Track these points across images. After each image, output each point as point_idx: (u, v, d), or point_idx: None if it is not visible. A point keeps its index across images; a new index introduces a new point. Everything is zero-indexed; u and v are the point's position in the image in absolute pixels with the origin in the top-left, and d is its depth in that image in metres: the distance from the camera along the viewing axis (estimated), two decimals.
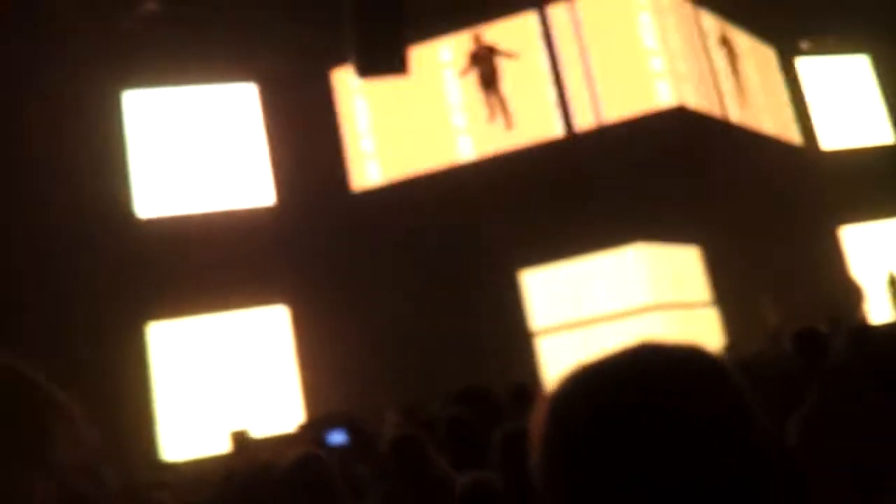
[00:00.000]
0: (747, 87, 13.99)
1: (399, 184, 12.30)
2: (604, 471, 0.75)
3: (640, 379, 0.78)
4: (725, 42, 13.65)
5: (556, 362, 11.40)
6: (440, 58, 12.62)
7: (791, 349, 3.88)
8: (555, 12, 12.34)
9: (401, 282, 11.21)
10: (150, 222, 11.35)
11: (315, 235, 11.52)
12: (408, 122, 12.57)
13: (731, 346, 9.78)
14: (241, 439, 7.22)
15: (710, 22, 13.43)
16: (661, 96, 11.87)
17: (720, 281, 11.90)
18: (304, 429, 9.52)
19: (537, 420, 0.82)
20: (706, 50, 13.20)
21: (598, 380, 0.81)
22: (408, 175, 12.31)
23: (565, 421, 0.79)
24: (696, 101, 12.32)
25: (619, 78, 12.04)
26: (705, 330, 11.68)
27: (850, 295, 12.65)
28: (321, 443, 6.43)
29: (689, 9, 12.96)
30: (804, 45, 14.96)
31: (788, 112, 14.82)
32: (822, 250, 13.59)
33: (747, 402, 0.79)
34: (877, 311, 12.53)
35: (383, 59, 8.24)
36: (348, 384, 10.41)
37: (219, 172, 11.95)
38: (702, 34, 13.20)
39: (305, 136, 12.09)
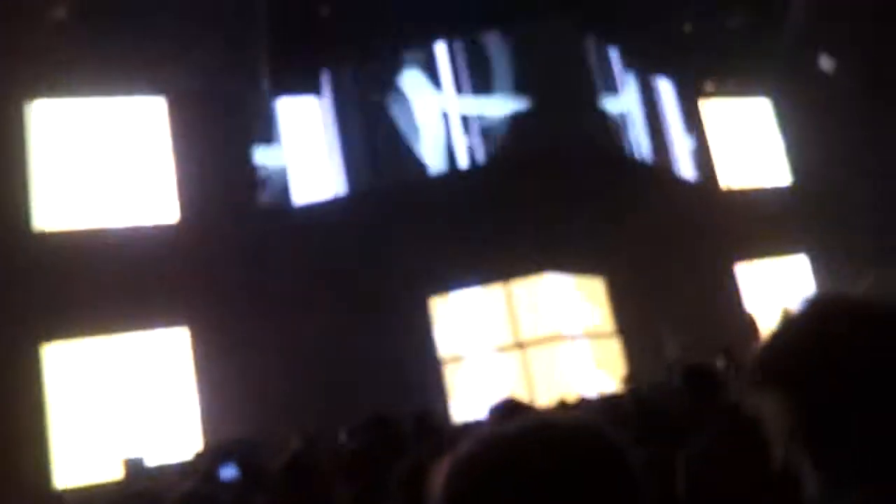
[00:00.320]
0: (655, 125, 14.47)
1: (310, 206, 12.20)
2: None
3: (534, 467, 0.83)
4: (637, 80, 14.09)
5: (464, 389, 11.45)
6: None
7: (681, 384, 3.97)
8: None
9: (309, 305, 11.06)
10: (47, 235, 10.90)
11: (219, 255, 11.24)
12: (323, 147, 12.52)
13: (631, 377, 10.01)
14: (134, 467, 6.96)
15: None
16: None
17: (623, 311, 12.19)
18: (200, 458, 9.27)
19: (438, 480, 0.87)
20: None
21: (492, 461, 0.85)
22: (318, 198, 12.24)
23: (457, 496, 0.84)
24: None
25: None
26: (608, 360, 11.93)
27: (746, 330, 13.13)
28: (214, 476, 6.25)
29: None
30: (708, 86, 15.54)
31: (690, 150, 15.35)
32: (720, 285, 14.07)
33: (637, 487, 0.86)
34: None
35: (298, 79, 8.21)
36: (251, 409, 10.18)
37: (122, 186, 11.58)
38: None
39: (213, 153, 11.87)
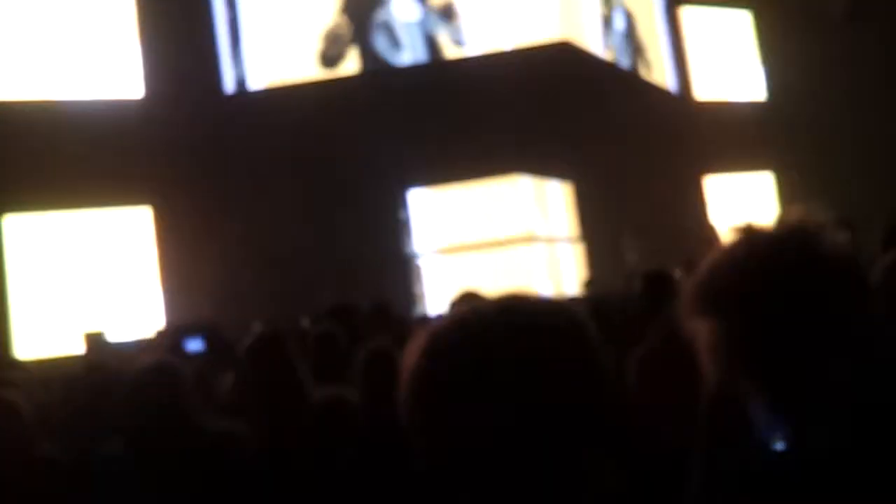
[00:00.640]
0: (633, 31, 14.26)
1: (282, 89, 11.93)
2: (474, 408, 0.83)
3: (512, 331, 0.86)
4: None
5: (434, 284, 11.56)
6: None
7: (639, 289, 4.05)
8: None
9: (278, 192, 10.91)
10: (8, 105, 10.57)
11: (185, 135, 10.98)
12: (294, 27, 12.14)
13: (590, 282, 10.18)
14: (95, 341, 6.99)
15: None
16: (549, 30, 11.96)
17: (587, 218, 12.30)
18: (162, 335, 9.30)
19: (412, 357, 0.88)
20: None
21: (473, 329, 0.87)
22: (292, 81, 11.96)
23: (441, 363, 0.86)
24: (582, 38, 12.47)
25: (513, 8, 12.03)
26: (570, 264, 12.11)
27: (707, 242, 13.34)
28: (179, 350, 6.32)
29: None
30: None
31: (667, 59, 15.19)
32: (686, 196, 14.20)
33: (598, 357, 0.90)
34: None
35: None
36: (213, 293, 10.18)
37: (87, 57, 11.19)
38: None
39: (181, 29, 11.49)
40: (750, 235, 1.12)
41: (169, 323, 10.12)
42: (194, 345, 6.26)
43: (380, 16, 12.17)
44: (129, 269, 10.89)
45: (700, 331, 1.08)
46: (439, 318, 0.94)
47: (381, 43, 12.15)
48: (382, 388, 3.00)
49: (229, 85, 12.07)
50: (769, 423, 1.03)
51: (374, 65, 12.17)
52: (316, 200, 10.91)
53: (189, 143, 10.93)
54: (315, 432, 3.01)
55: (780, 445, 1.01)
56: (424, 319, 5.84)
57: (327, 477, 2.88)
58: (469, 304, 0.92)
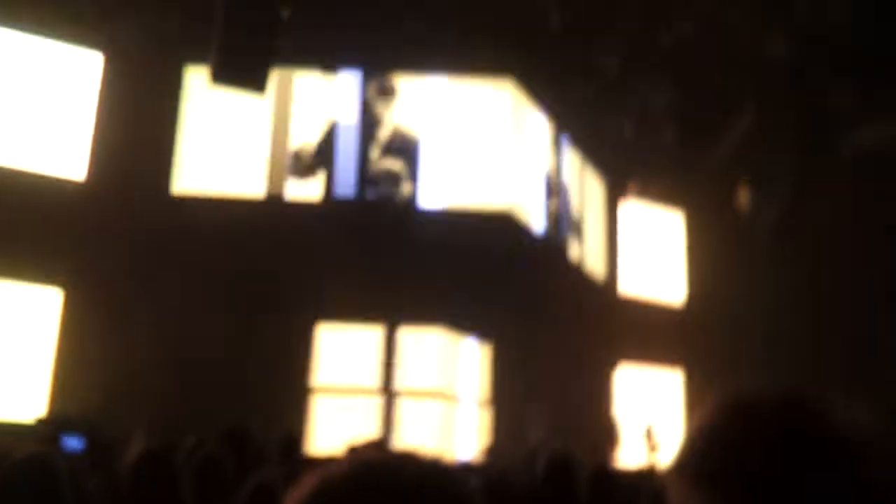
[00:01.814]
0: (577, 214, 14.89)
1: (220, 201, 11.94)
2: None
3: (396, 497, 0.85)
4: (558, 151, 14.44)
5: (327, 423, 11.29)
6: (294, 90, 12.55)
7: (542, 471, 4.02)
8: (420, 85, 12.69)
9: (192, 300, 10.75)
10: None
11: (115, 226, 10.86)
12: (246, 144, 12.32)
13: (491, 450, 10.10)
14: None
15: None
16: (498, 198, 12.41)
17: (498, 382, 12.34)
18: (42, 424, 8.83)
19: (297, 499, 0.87)
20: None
21: (360, 486, 0.86)
22: (230, 196, 12.00)
23: None
24: (525, 207, 12.95)
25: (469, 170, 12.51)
26: (475, 428, 12.01)
27: (607, 434, 13.44)
28: (56, 443, 5.99)
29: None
30: (632, 188, 16.06)
31: (600, 247, 15.80)
32: (595, 382, 14.42)
33: None
34: (630, 455, 13.30)
35: (244, 72, 8.07)
36: (104, 390, 9.75)
37: (38, 131, 11.11)
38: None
39: (138, 124, 11.55)
40: (743, 405, 0.95)
41: (52, 413, 9.61)
42: (73, 442, 5.93)
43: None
44: (27, 348, 10.38)
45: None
46: (333, 462, 0.91)
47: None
48: None
49: (173, 187, 12.04)
50: None
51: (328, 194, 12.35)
52: (229, 320, 10.73)
53: (118, 235, 10.76)
54: None
55: None
56: (322, 461, 5.66)
57: None
58: (364, 457, 0.91)
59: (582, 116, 13.94)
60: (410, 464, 0.90)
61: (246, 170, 12.19)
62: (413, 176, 12.47)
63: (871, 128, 12.46)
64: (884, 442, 0.89)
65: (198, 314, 10.62)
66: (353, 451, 3.49)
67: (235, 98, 10.97)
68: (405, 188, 12.38)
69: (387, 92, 12.61)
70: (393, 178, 12.40)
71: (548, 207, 14.00)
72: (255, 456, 4.74)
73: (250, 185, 12.12)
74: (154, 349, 10.36)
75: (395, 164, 12.46)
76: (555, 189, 14.30)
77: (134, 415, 8.35)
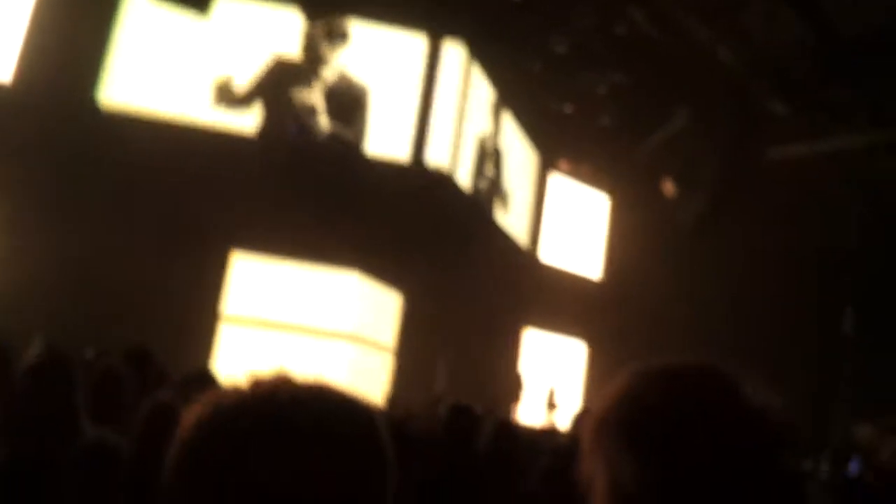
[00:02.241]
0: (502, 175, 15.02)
1: (151, 121, 11.61)
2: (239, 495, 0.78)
3: (302, 428, 0.82)
4: (497, 118, 14.51)
5: (230, 353, 11.25)
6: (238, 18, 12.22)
7: (443, 419, 4.13)
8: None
9: (111, 216, 10.47)
10: None
11: (38, 132, 10.43)
12: (185, 66, 11.97)
13: (393, 397, 10.24)
14: None
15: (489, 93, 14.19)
16: (432, 154, 12.43)
17: (406, 331, 12.49)
18: None
19: (192, 419, 0.84)
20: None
21: (261, 413, 0.82)
22: (162, 116, 11.68)
23: (199, 448, 0.81)
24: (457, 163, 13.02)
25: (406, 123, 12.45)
26: (381, 374, 12.14)
27: (511, 390, 13.80)
28: None
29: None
30: (563, 164, 16.36)
31: (525, 214, 16.04)
32: (504, 342, 14.74)
33: (388, 477, 0.85)
34: (530, 414, 13.69)
35: None
36: (6, 294, 9.46)
37: None
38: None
39: (76, 26, 11.10)
40: (660, 370, 0.96)
41: None
42: None
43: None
44: None
45: (600, 470, 0.93)
46: (232, 388, 0.86)
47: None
48: (158, 442, 2.91)
49: (103, 99, 11.63)
50: None
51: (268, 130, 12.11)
52: (145, 241, 10.51)
53: (40, 142, 10.36)
54: (81, 470, 2.84)
55: None
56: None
57: None
58: (267, 384, 0.86)
59: (525, 89, 14.02)
60: (321, 393, 0.86)
61: (181, 93, 11.86)
62: (355, 124, 12.35)
63: (801, 144, 12.99)
64: (788, 416, 0.92)
65: (114, 231, 10.37)
66: (257, 381, 3.50)
67: (178, 18, 10.67)
68: (347, 133, 12.26)
69: (335, 35, 12.39)
70: (337, 124, 12.27)
71: (479, 170, 14.08)
72: (156, 377, 4.70)
73: (184, 108, 11.81)
74: (64, 261, 10.07)
75: (338, 110, 12.31)
76: (489, 153, 14.38)
77: (34, 323, 8.15)
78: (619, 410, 0.93)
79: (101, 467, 2.86)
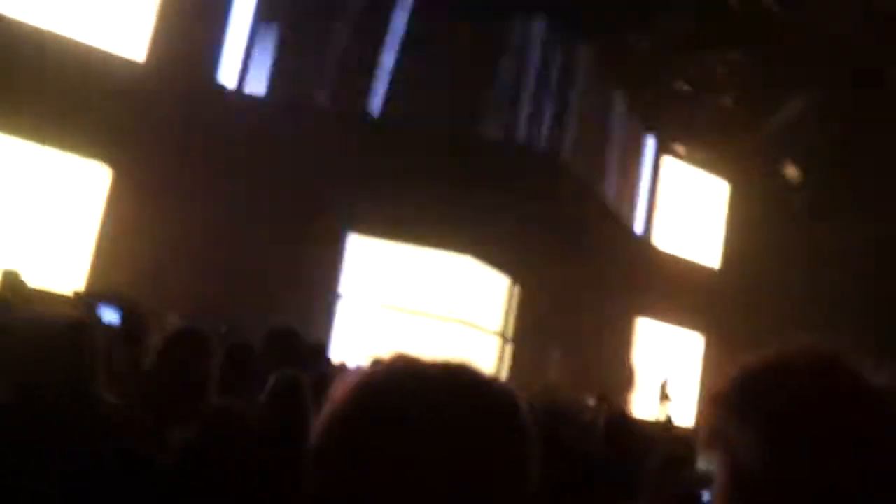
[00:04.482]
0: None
1: (274, 104, 11.99)
2: (395, 463, 0.81)
3: (455, 400, 0.84)
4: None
5: (350, 329, 11.52)
6: None
7: (602, 433, 4.03)
8: None
9: (237, 194, 10.81)
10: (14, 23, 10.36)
11: (169, 111, 10.87)
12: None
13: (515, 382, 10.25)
14: (12, 279, 6.78)
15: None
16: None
17: (525, 318, 12.48)
18: (79, 295, 9.09)
19: (346, 393, 0.86)
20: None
21: (417, 386, 0.85)
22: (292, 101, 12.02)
23: (355, 418, 0.84)
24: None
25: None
26: (496, 359, 12.21)
27: (623, 380, 13.60)
28: (93, 314, 6.19)
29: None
30: (680, 148, 15.90)
31: (641, 200, 15.71)
32: (617, 330, 14.52)
33: (530, 461, 0.86)
34: (642, 404, 13.47)
35: None
36: (141, 269, 9.97)
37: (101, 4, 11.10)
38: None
39: (203, 12, 11.57)
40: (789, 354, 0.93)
41: (89, 285, 9.89)
42: (109, 315, 6.13)
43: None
44: (69, 219, 10.60)
45: (720, 457, 0.91)
46: (382, 364, 0.89)
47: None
48: (289, 414, 3.03)
49: (228, 80, 12.09)
50: None
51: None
52: (266, 215, 10.88)
53: (171, 121, 10.83)
54: (207, 435, 2.97)
55: None
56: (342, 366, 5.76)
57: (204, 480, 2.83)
58: (420, 363, 0.89)
59: (635, 69, 13.69)
60: (468, 374, 0.88)
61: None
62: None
63: None
64: None
65: (238, 208, 10.74)
66: (404, 358, 3.55)
67: None
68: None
69: None
70: None
71: (593, 155, 13.93)
72: (295, 357, 4.76)
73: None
74: (191, 236, 10.53)
75: None
76: (603, 139, 14.22)
77: (167, 297, 8.59)
78: (742, 388, 0.91)
79: (227, 432, 2.97)
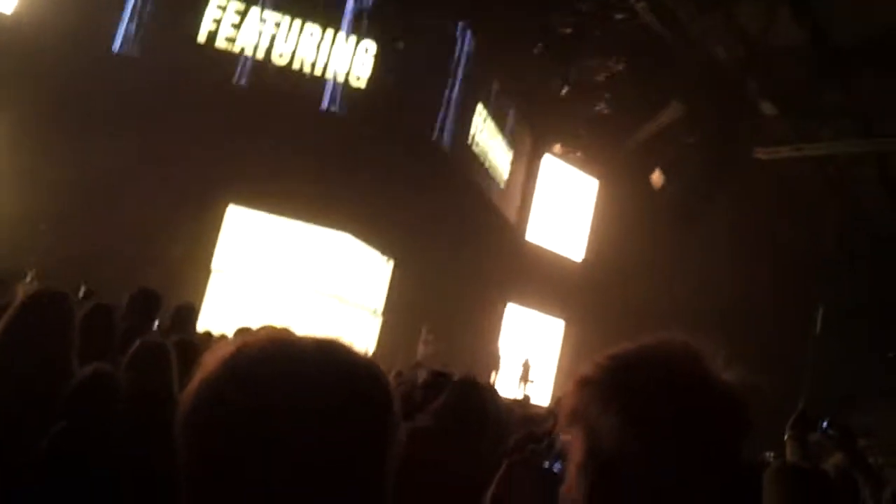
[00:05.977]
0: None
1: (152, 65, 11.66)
2: (257, 443, 0.82)
3: (325, 379, 0.86)
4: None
5: (220, 297, 11.43)
6: None
7: (423, 382, 4.20)
8: None
9: (108, 153, 10.46)
10: None
11: (48, 63, 10.43)
12: None
13: (376, 359, 10.39)
14: None
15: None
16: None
17: (399, 296, 12.70)
18: None
19: (213, 367, 0.86)
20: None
21: (285, 364, 0.87)
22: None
23: (222, 390, 0.85)
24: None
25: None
26: (368, 335, 12.38)
27: (489, 359, 14.07)
28: None
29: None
30: (556, 147, 16.51)
31: (515, 193, 16.24)
32: (486, 314, 14.97)
33: (391, 431, 0.89)
34: (505, 385, 13.96)
35: None
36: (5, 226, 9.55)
37: None
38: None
39: None
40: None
41: None
42: None
43: None
44: None
45: (579, 437, 0.99)
46: (252, 337, 0.89)
47: None
48: (149, 379, 3.07)
49: (104, 38, 11.71)
50: None
51: None
52: (144, 179, 10.61)
53: (49, 73, 10.38)
54: (75, 400, 2.93)
55: None
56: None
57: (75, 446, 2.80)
58: (289, 337, 0.90)
59: (523, 71, 14.12)
60: (337, 348, 0.90)
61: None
62: None
63: (787, 145, 13.18)
64: (751, 393, 0.99)
65: (119, 168, 10.43)
66: (274, 332, 3.60)
67: None
68: None
69: None
70: None
71: (474, 143, 14.26)
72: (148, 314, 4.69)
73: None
74: (59, 194, 10.15)
75: None
76: (485, 129, 14.58)
77: (31, 257, 8.31)
78: (606, 375, 0.99)
79: (100, 396, 2.94)
